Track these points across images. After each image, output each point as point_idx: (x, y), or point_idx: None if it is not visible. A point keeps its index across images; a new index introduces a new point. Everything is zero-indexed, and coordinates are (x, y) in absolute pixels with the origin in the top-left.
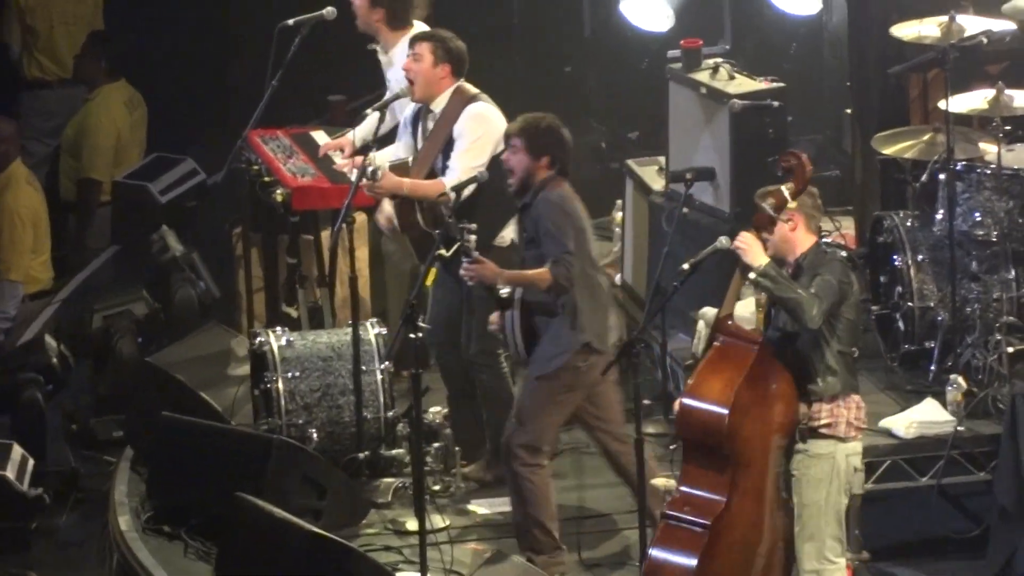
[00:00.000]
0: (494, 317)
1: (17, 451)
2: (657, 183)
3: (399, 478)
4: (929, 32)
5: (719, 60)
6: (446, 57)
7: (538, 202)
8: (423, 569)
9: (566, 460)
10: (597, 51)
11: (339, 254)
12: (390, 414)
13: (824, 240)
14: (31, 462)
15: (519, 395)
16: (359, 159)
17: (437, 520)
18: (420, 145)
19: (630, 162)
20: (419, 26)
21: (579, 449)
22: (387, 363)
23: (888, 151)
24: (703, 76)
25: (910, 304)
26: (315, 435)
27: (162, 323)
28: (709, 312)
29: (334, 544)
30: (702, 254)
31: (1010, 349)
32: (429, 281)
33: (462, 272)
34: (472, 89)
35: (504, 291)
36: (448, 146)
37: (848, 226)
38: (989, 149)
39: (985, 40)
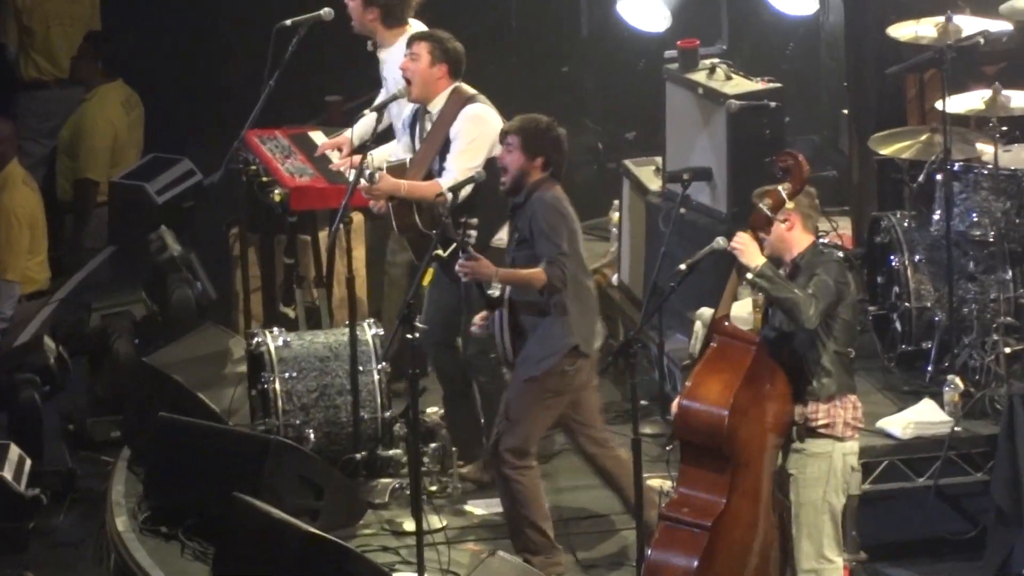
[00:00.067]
0: (478, 319)
1: (14, 451)
2: (654, 183)
3: (396, 479)
4: (926, 32)
5: (716, 60)
6: (443, 57)
7: (532, 202)
8: (420, 570)
9: (562, 461)
10: (594, 51)
11: (336, 254)
12: (387, 414)
13: (821, 240)
14: (28, 462)
15: (507, 398)
16: (357, 158)
17: (434, 521)
18: (418, 146)
19: (627, 162)
20: (415, 24)
21: (574, 451)
22: (384, 363)
23: (885, 151)
24: (700, 76)
25: (907, 304)
26: (312, 435)
27: (159, 324)
28: (706, 312)
29: (331, 544)
30: (699, 254)
31: (1007, 349)
32: (426, 282)
33: (458, 268)
34: (469, 90)
35: (494, 291)
36: (445, 147)
37: (845, 226)
38: (986, 150)
39: (982, 41)
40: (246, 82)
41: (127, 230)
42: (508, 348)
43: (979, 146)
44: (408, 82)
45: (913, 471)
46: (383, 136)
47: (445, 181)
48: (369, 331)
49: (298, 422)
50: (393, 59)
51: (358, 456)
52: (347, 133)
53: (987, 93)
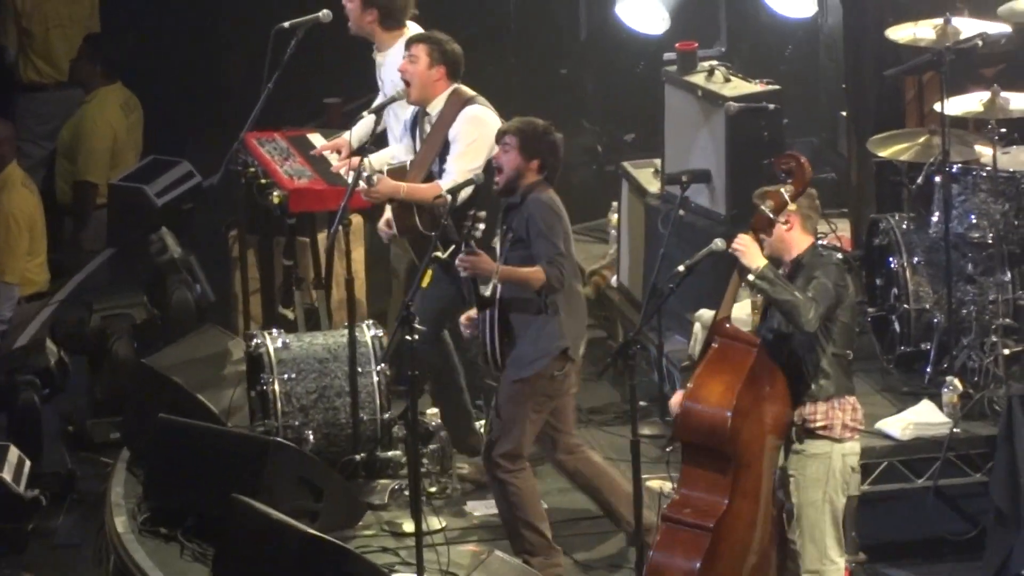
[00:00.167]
0: (464, 319)
1: (14, 453)
2: (653, 185)
3: (395, 480)
4: (925, 35)
5: (715, 63)
6: (442, 59)
7: (529, 202)
8: (419, 571)
9: None
10: (593, 54)
11: (335, 256)
12: (386, 416)
13: (820, 242)
14: (28, 464)
15: (497, 402)
16: (356, 160)
17: (433, 522)
18: (418, 148)
19: (626, 164)
20: (412, 27)
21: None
22: (383, 365)
23: (884, 153)
24: (699, 79)
25: (906, 306)
26: (311, 437)
27: (159, 327)
28: (705, 314)
29: (330, 546)
30: (698, 256)
31: (1006, 351)
32: (425, 283)
33: (458, 262)
34: (469, 92)
35: (485, 290)
36: (445, 149)
37: (844, 228)
38: (985, 152)
39: (980, 43)
40: (245, 84)
41: (126, 232)
42: (496, 348)
43: (978, 148)
44: (407, 84)
45: (912, 472)
46: (381, 138)
47: (445, 183)
48: (368, 332)
49: (297, 423)
50: (390, 62)
51: (357, 457)
52: (345, 135)
53: (986, 95)
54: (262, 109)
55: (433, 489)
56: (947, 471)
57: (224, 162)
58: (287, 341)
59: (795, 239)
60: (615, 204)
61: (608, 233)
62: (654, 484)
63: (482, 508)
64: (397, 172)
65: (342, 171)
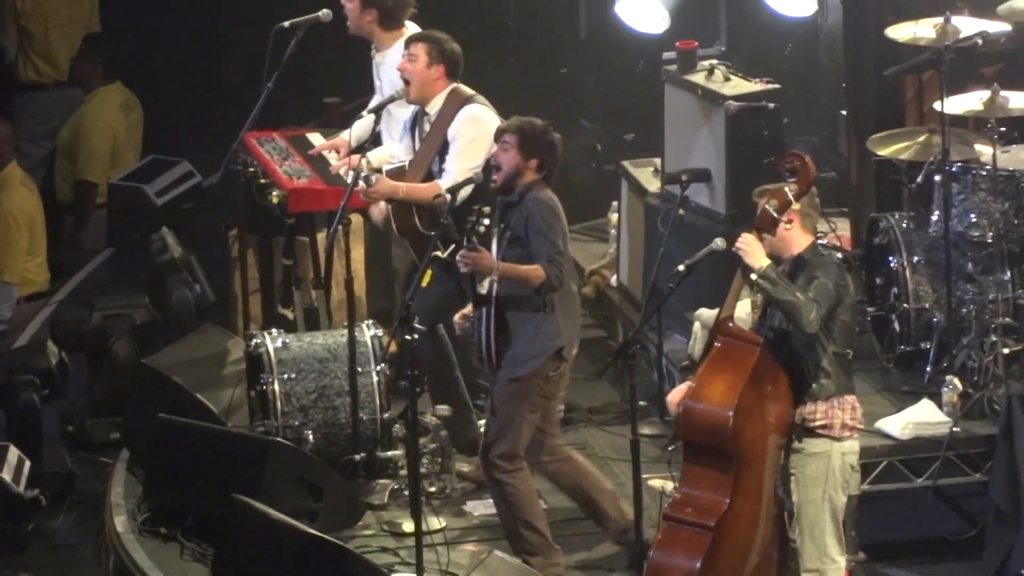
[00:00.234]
0: (458, 318)
1: (13, 453)
2: (653, 184)
3: (395, 480)
4: (924, 33)
5: (715, 62)
6: (441, 58)
7: (528, 201)
8: (419, 570)
9: None
10: (593, 53)
11: (335, 256)
12: (386, 415)
13: (820, 242)
14: (27, 464)
15: (493, 402)
16: (355, 159)
17: (433, 521)
18: (418, 147)
19: (626, 163)
20: (411, 27)
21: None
22: (383, 365)
23: (884, 152)
24: (699, 78)
25: (906, 305)
26: (311, 437)
27: (159, 327)
28: (705, 313)
29: (330, 546)
30: (698, 255)
31: (1005, 350)
32: (425, 283)
33: (459, 258)
34: (468, 91)
35: (482, 287)
36: (444, 148)
37: (844, 227)
38: (984, 150)
39: (980, 41)
40: (245, 84)
41: (126, 232)
42: (491, 346)
43: (977, 147)
44: (406, 83)
45: (912, 471)
46: (375, 137)
47: (444, 182)
48: (368, 332)
49: (297, 423)
50: (389, 62)
51: (357, 457)
52: (344, 135)
53: (985, 94)
54: (262, 109)
55: (433, 489)
56: (947, 470)
57: (224, 162)
58: (287, 341)
59: (795, 237)
60: (615, 203)
61: (608, 232)
62: (656, 483)
63: (482, 508)
64: (396, 173)
65: (341, 171)
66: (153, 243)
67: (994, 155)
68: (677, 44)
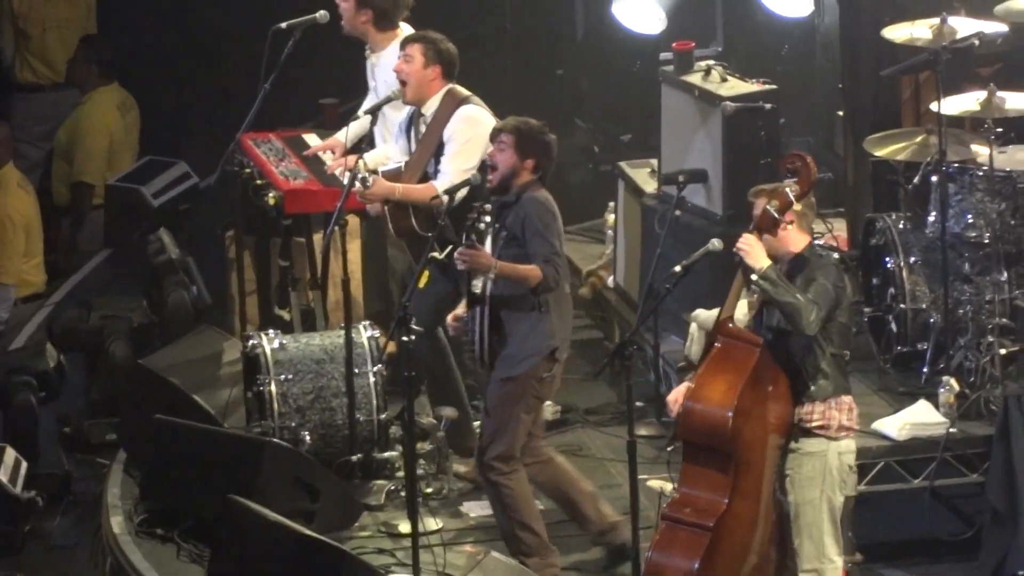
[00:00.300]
0: (451, 318)
1: (10, 454)
2: (649, 185)
3: (392, 480)
4: (921, 34)
5: (711, 62)
6: (437, 58)
7: (525, 201)
8: (416, 572)
9: None
10: (589, 53)
11: (331, 257)
12: (383, 416)
13: (817, 242)
14: (24, 465)
15: (487, 404)
16: (351, 159)
17: (430, 523)
18: (414, 148)
19: (622, 164)
20: (406, 28)
21: (571, 452)
22: (380, 366)
23: (880, 153)
24: (695, 78)
25: (902, 306)
26: (308, 438)
27: (156, 328)
28: (701, 314)
29: (327, 547)
30: (694, 256)
31: (1002, 351)
32: (422, 284)
33: (457, 255)
34: (464, 92)
35: (476, 287)
36: (440, 149)
37: (840, 228)
38: (981, 151)
39: (977, 42)
40: (242, 85)
41: (123, 233)
42: (485, 346)
43: (974, 148)
44: (403, 84)
45: (909, 472)
46: (374, 140)
47: (440, 183)
48: (364, 333)
49: (294, 424)
50: (384, 63)
51: (354, 458)
52: (339, 135)
53: (982, 95)
54: (258, 110)
55: (429, 490)
56: (943, 471)
57: (220, 163)
58: (283, 342)
59: (792, 237)
60: (612, 204)
61: (605, 233)
62: (655, 484)
63: (478, 509)
64: (392, 174)
65: (337, 172)
66: (150, 244)
67: (991, 156)
68: (674, 45)
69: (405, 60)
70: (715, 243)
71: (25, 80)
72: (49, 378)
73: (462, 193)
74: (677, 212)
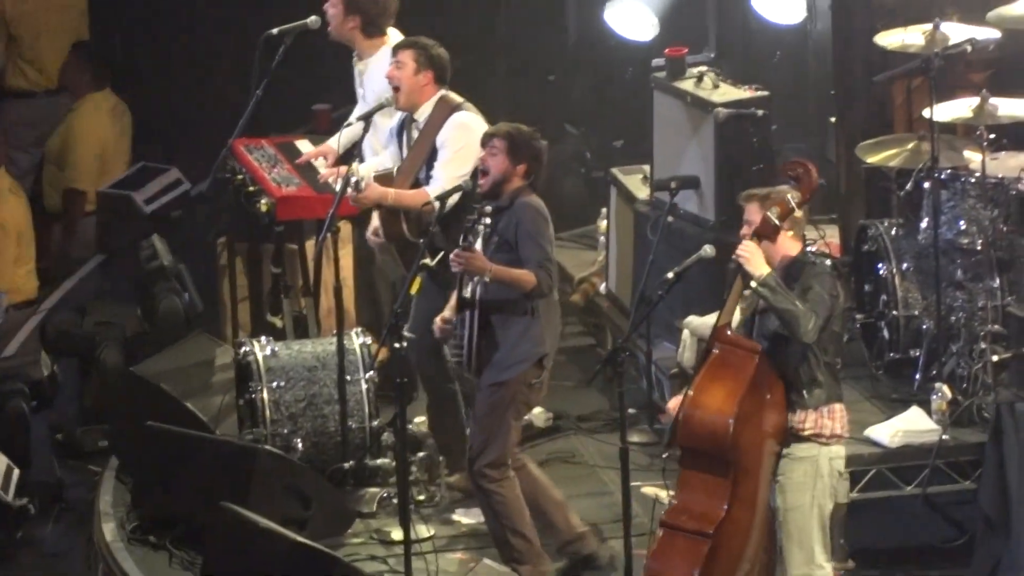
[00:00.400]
0: (439, 320)
1: (2, 461)
2: (642, 191)
3: (384, 488)
4: (913, 40)
5: (704, 68)
6: (428, 64)
7: (517, 206)
8: None
9: (551, 470)
10: (582, 60)
11: (324, 263)
12: (375, 424)
13: (809, 249)
14: (16, 472)
15: (475, 411)
16: (343, 168)
17: (422, 530)
18: (405, 155)
19: (615, 170)
20: (393, 34)
21: (564, 459)
22: (372, 373)
23: (872, 159)
24: (687, 85)
25: (895, 313)
26: (300, 445)
27: (148, 335)
28: (694, 321)
29: (319, 554)
30: (687, 263)
31: (995, 358)
32: (414, 290)
33: (452, 257)
34: (456, 98)
35: (467, 291)
36: (432, 155)
37: (832, 235)
38: (973, 157)
39: (969, 48)
40: (234, 91)
41: (115, 239)
42: (473, 350)
43: (967, 154)
44: (395, 90)
45: (901, 479)
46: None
47: (432, 190)
48: (357, 340)
49: (286, 431)
50: (371, 70)
51: (346, 465)
52: (331, 142)
53: (974, 101)
54: (250, 116)
55: (422, 497)
56: (936, 478)
57: (212, 169)
58: (276, 349)
59: (785, 243)
60: (604, 210)
61: (597, 240)
62: (649, 491)
63: (470, 516)
64: (383, 178)
65: (329, 180)
66: (142, 250)
67: (983, 162)
68: (666, 51)
69: (397, 66)
70: (707, 249)
71: (17, 86)
72: (42, 388)
73: (454, 199)
74: (669, 218)
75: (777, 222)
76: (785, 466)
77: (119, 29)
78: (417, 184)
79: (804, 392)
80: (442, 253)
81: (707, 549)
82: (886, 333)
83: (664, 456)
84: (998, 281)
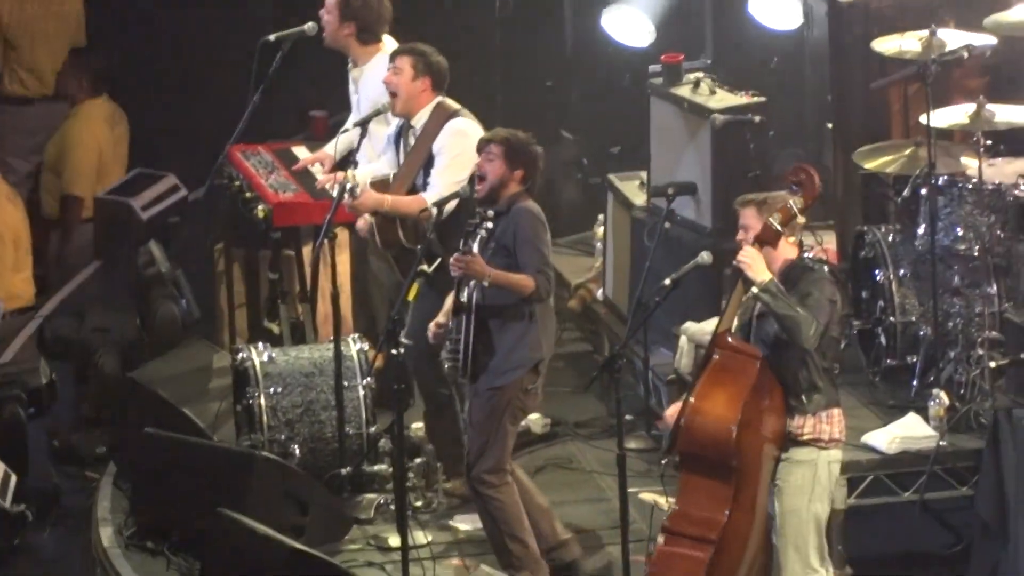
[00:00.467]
0: (433, 325)
1: None
2: (639, 198)
3: (381, 494)
4: (910, 47)
5: (700, 75)
6: (426, 71)
7: (515, 212)
8: None
9: (547, 476)
10: (578, 66)
11: (321, 270)
12: (372, 430)
13: (806, 255)
14: (13, 478)
15: (471, 416)
16: (340, 174)
17: (419, 536)
18: (402, 161)
19: (612, 177)
20: (389, 42)
21: (561, 465)
22: (369, 379)
23: (870, 165)
24: (684, 91)
25: (892, 319)
26: (297, 451)
27: (145, 341)
28: (691, 327)
29: (316, 560)
30: (684, 269)
31: (992, 364)
32: (411, 297)
33: (452, 261)
34: (453, 105)
35: (463, 295)
36: (429, 162)
37: (830, 241)
38: (970, 163)
39: (966, 54)
40: (231, 97)
41: (112, 246)
42: (469, 355)
43: (963, 160)
44: (393, 96)
45: (898, 485)
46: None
47: (429, 196)
48: (354, 346)
49: (283, 437)
50: (366, 77)
51: (343, 471)
52: (328, 148)
53: (971, 107)
54: (247, 122)
55: (419, 503)
56: (933, 485)
57: (209, 176)
58: (273, 355)
59: (785, 249)
60: (601, 217)
61: (594, 246)
62: (647, 497)
63: (468, 522)
64: (380, 184)
65: (326, 186)
66: (140, 257)
67: (980, 168)
68: (663, 57)
69: (395, 72)
70: (704, 256)
71: (14, 92)
72: (40, 395)
73: (451, 206)
74: (666, 225)
75: (779, 228)
76: (783, 470)
77: (116, 36)
78: (414, 190)
79: (803, 397)
80: (439, 260)
81: (710, 555)
82: (883, 339)
83: (663, 462)
84: (995, 287)
